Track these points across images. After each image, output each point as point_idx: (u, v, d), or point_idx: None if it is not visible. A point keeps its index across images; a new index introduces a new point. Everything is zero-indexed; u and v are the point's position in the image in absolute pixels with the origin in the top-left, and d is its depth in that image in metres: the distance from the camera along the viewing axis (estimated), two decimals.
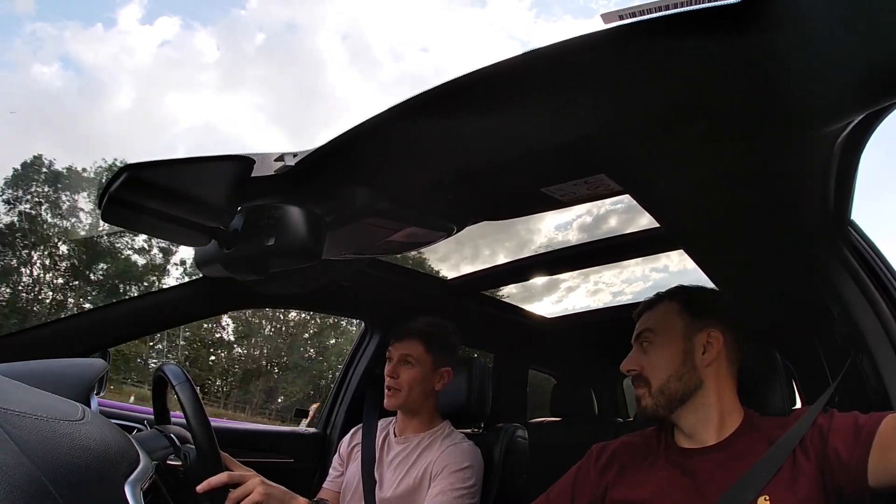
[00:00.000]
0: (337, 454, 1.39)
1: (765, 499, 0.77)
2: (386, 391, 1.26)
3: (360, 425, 1.40)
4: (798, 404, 1.48)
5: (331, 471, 1.37)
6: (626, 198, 1.04)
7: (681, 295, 0.97)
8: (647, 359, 0.93)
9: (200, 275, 1.12)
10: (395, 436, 1.31)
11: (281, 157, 0.86)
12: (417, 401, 1.27)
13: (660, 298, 0.99)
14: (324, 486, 1.36)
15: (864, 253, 1.08)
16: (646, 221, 1.41)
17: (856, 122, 0.78)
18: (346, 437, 1.40)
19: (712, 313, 0.94)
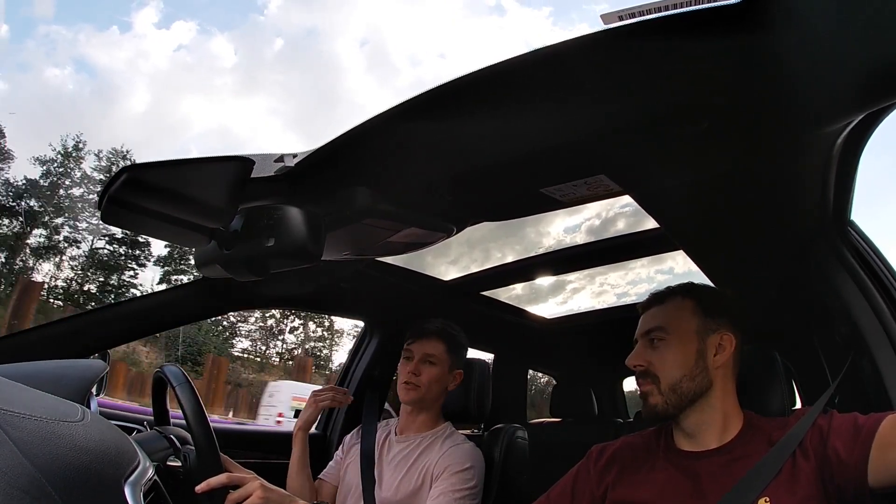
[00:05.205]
0: (340, 448, 1.39)
1: (765, 500, 0.77)
2: (403, 385, 1.29)
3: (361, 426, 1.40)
4: (798, 405, 1.48)
5: (331, 462, 1.38)
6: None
7: (694, 293, 0.95)
8: (657, 355, 0.91)
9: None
10: (396, 435, 1.32)
11: (281, 158, 0.85)
12: (431, 399, 1.29)
13: (671, 293, 0.97)
14: (320, 476, 1.36)
15: (863, 253, 1.08)
16: (652, 224, 1.41)
17: (856, 122, 0.78)
18: (349, 436, 1.40)
19: (725, 315, 0.93)
